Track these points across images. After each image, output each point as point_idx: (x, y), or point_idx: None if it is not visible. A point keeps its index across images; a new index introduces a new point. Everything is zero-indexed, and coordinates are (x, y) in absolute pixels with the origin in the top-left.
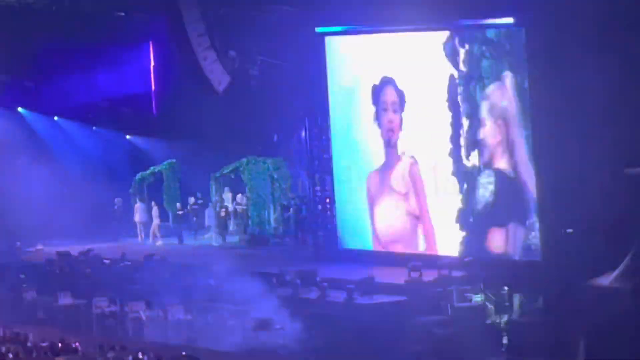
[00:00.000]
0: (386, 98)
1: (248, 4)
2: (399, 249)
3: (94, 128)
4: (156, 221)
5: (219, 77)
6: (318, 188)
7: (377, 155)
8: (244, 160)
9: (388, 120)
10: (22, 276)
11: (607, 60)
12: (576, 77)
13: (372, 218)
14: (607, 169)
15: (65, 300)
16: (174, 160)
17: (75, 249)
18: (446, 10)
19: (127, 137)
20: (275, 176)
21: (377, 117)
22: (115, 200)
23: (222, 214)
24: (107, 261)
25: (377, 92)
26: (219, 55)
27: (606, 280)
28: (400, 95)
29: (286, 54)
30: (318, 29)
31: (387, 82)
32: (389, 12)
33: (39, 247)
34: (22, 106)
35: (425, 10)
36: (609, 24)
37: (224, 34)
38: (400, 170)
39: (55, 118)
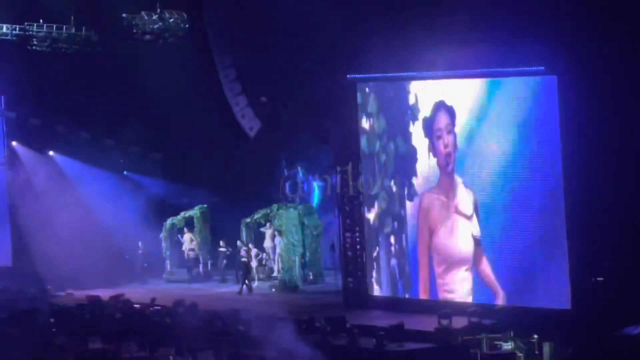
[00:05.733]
0: (440, 125)
1: (279, 50)
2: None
3: (125, 172)
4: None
5: (250, 123)
6: (348, 234)
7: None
8: (275, 205)
9: (444, 145)
10: (52, 320)
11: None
12: (609, 125)
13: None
14: (639, 218)
15: (95, 345)
16: (205, 205)
17: (105, 293)
18: (478, 58)
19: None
20: (306, 222)
21: (432, 147)
22: (139, 243)
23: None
24: (137, 306)
25: (428, 123)
26: (251, 101)
27: (637, 329)
28: (451, 115)
29: (318, 99)
30: (349, 76)
31: (437, 108)
32: (420, 60)
33: (69, 291)
34: (53, 150)
35: (456, 57)
36: None
37: (255, 79)
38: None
39: None
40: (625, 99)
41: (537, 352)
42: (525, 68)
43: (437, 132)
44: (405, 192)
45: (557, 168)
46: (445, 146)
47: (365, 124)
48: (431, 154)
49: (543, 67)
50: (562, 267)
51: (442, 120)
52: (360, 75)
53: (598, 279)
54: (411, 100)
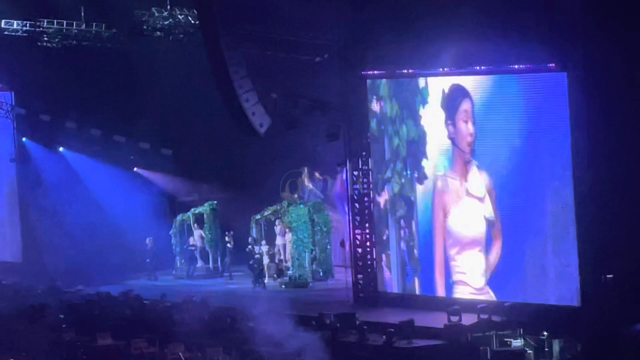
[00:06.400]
0: (466, 107)
1: (290, 47)
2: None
3: (135, 169)
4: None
5: (260, 119)
6: (358, 231)
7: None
8: (285, 202)
9: (469, 132)
10: (62, 316)
11: None
12: (618, 122)
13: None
14: None
15: (104, 341)
16: (214, 202)
17: (114, 290)
18: (488, 55)
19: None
20: (316, 219)
21: (452, 126)
22: (147, 240)
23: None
24: (147, 302)
25: (450, 100)
26: (261, 97)
27: None
28: (471, 100)
29: (328, 95)
30: (362, 72)
31: (456, 90)
32: (432, 57)
33: (79, 287)
34: (63, 146)
35: (467, 54)
36: None
37: (266, 76)
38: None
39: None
40: (635, 96)
41: (546, 349)
42: (535, 65)
43: (464, 114)
44: (416, 175)
45: (566, 166)
46: (470, 134)
47: (375, 106)
48: (447, 133)
49: (553, 64)
50: (571, 264)
51: (466, 104)
52: (372, 72)
53: (607, 276)
54: (421, 84)
